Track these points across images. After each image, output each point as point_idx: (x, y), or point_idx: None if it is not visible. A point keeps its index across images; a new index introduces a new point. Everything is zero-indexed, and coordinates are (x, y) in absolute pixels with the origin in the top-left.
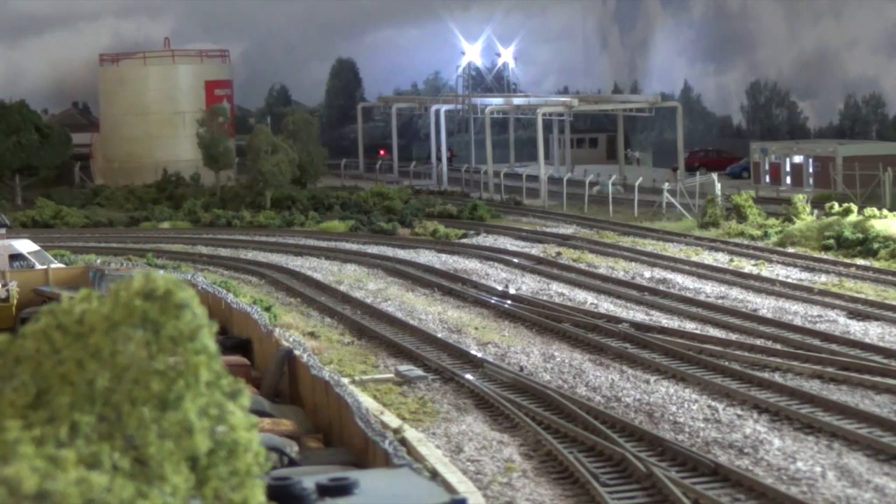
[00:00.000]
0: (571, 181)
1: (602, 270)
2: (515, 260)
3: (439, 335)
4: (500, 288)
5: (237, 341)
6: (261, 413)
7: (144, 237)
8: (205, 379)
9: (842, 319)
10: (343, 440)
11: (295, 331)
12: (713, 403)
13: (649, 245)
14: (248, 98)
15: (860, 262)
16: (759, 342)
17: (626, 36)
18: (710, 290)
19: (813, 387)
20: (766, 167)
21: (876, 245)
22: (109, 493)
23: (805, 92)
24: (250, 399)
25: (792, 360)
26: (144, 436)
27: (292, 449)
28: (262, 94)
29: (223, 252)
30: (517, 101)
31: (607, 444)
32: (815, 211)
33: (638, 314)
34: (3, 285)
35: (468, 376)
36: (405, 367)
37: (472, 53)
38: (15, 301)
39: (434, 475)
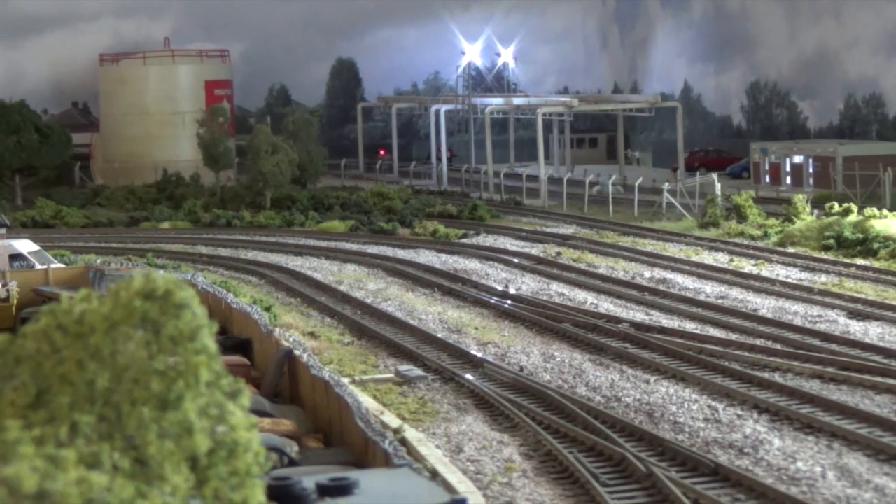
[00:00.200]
0: (571, 181)
1: (602, 270)
2: (515, 260)
3: (439, 335)
4: (500, 288)
5: (237, 341)
6: (261, 413)
7: (144, 237)
8: (205, 379)
9: (842, 319)
10: (343, 440)
11: (295, 331)
12: (713, 403)
13: (649, 245)
14: (248, 98)
15: (860, 262)
16: (759, 342)
17: (626, 36)
18: (710, 290)
19: (813, 387)
20: (766, 167)
21: (876, 245)
22: (109, 493)
23: (805, 92)
24: (250, 399)
25: (792, 360)
26: (144, 436)
27: (292, 449)
28: (262, 94)
29: (223, 252)
30: (517, 101)
31: (607, 444)
32: (815, 211)
33: (638, 314)
34: (3, 285)
35: (468, 376)
36: (405, 367)
37: (472, 53)
38: (15, 301)
39: (434, 475)
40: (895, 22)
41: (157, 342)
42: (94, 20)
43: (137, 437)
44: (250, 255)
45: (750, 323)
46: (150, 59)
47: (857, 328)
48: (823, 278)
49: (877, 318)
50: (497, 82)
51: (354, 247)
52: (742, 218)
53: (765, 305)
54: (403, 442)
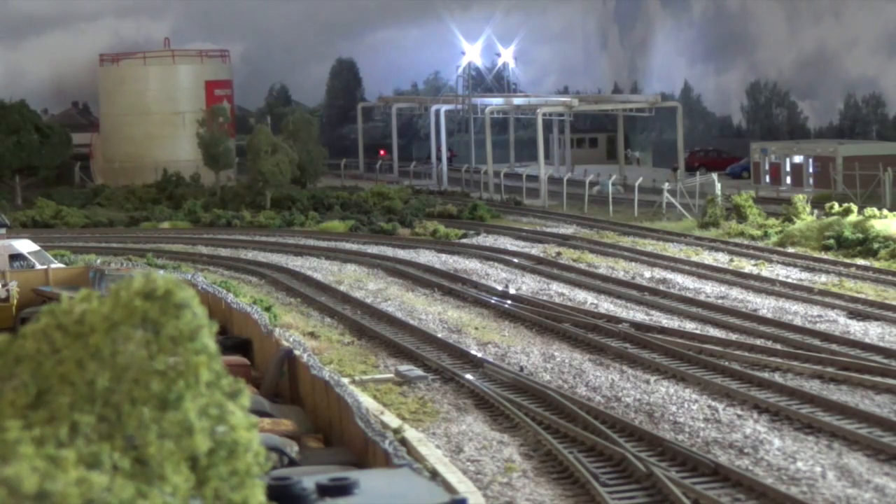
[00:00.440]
0: (571, 181)
1: (602, 270)
2: (515, 260)
3: (439, 335)
4: (500, 288)
5: (237, 341)
6: (261, 413)
7: (144, 237)
8: (205, 379)
9: (842, 319)
10: (343, 440)
11: (295, 331)
12: (713, 403)
13: (649, 245)
14: (248, 98)
15: (860, 262)
16: (759, 342)
17: (626, 36)
18: (710, 290)
19: (813, 387)
20: (766, 167)
21: (876, 245)
22: (109, 493)
23: (805, 92)
24: (250, 399)
25: (792, 360)
26: (144, 436)
27: (292, 449)
28: (262, 94)
29: (223, 252)
30: (517, 101)
31: (607, 444)
32: (815, 211)
33: (638, 314)
34: (3, 285)
35: (468, 376)
36: (405, 367)
37: (472, 53)
38: (15, 301)
39: (434, 475)
40: (895, 22)
41: (157, 342)
42: (94, 20)
43: (137, 437)
44: (250, 255)
45: (750, 323)
46: (150, 59)
47: (857, 328)
48: (823, 278)
49: (877, 318)
50: (497, 82)
51: (354, 247)
52: (742, 218)
53: (765, 305)
54: (403, 442)
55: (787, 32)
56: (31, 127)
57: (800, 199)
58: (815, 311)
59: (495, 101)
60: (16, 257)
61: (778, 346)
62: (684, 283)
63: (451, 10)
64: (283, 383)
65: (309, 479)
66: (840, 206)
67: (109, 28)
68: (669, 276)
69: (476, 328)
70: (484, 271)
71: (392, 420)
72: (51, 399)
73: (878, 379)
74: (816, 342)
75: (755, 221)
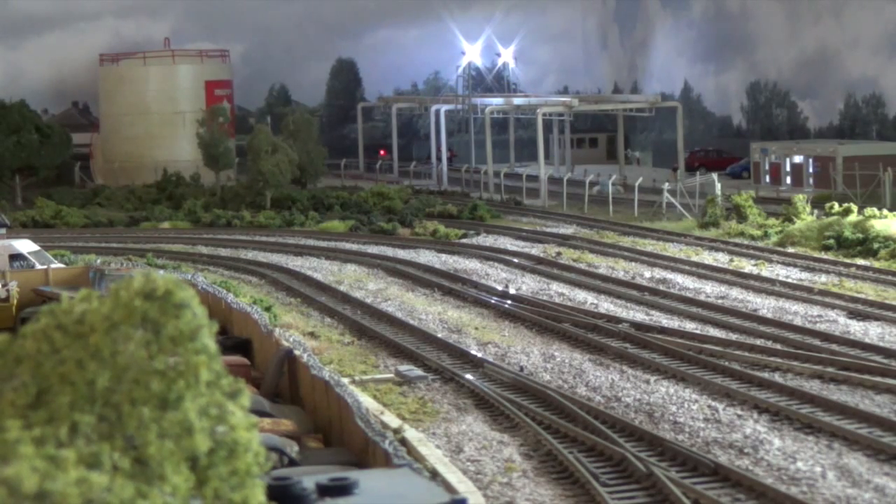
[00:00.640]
0: (571, 181)
1: (602, 270)
2: (515, 260)
3: (439, 335)
4: (500, 288)
5: (237, 341)
6: (261, 413)
7: (144, 237)
8: (205, 379)
9: (842, 319)
10: (343, 440)
11: (295, 331)
12: (713, 403)
13: (649, 245)
14: (248, 98)
15: (860, 262)
16: (759, 342)
17: (626, 36)
18: (710, 290)
19: (813, 387)
20: (766, 167)
21: (876, 245)
22: (109, 493)
23: (805, 92)
24: (250, 399)
25: (792, 360)
26: (144, 436)
27: (292, 449)
28: (262, 94)
29: (223, 252)
30: (517, 101)
31: (607, 444)
32: (815, 211)
33: (638, 314)
34: (3, 285)
35: (468, 376)
36: (405, 367)
37: (472, 53)
38: (15, 301)
39: (434, 475)
40: (895, 22)
41: (157, 342)
42: (94, 20)
43: (137, 437)
44: (250, 255)
45: (750, 323)
46: (150, 59)
47: (857, 328)
48: (823, 278)
49: (877, 318)
50: (497, 82)
51: (354, 247)
52: (742, 218)
53: (765, 305)
54: (403, 442)
55: (787, 32)
56: (31, 127)
57: (800, 199)
58: (815, 311)
59: (495, 101)
60: (16, 257)
61: (778, 346)
62: (684, 283)
63: (451, 10)
64: (283, 383)
65: (309, 479)
66: (840, 206)
67: (109, 28)
68: (669, 276)
69: (476, 328)
70: (484, 271)
71: (392, 420)
72: (51, 399)
73: (878, 379)
74: (816, 342)
75: (755, 221)
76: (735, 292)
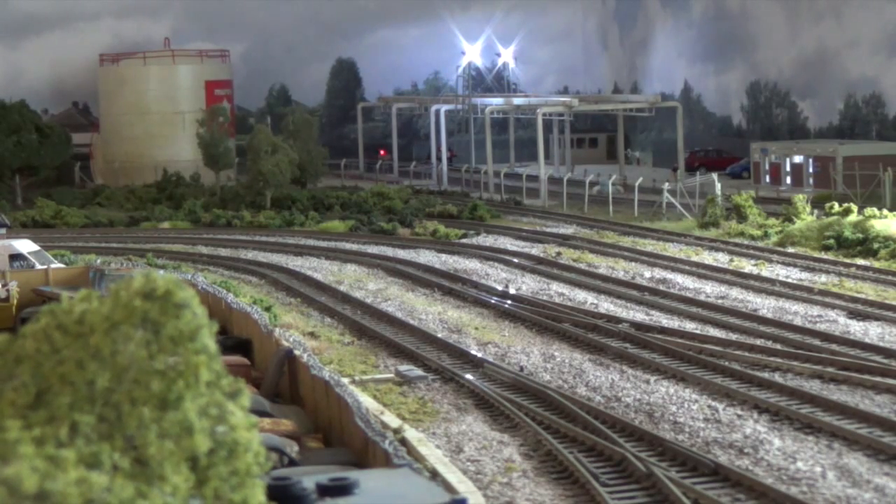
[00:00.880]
0: (571, 181)
1: (602, 270)
2: (515, 260)
3: (439, 335)
4: (500, 288)
5: (237, 341)
6: (261, 413)
7: (144, 237)
8: (205, 379)
9: (842, 319)
10: (343, 440)
11: (295, 331)
12: (713, 403)
13: (649, 245)
14: (248, 98)
15: (860, 262)
16: (759, 342)
17: (626, 36)
18: (710, 290)
19: (813, 387)
20: (766, 167)
21: (876, 245)
22: (109, 493)
23: (805, 92)
24: (250, 399)
25: (792, 360)
26: (144, 436)
27: (292, 449)
28: (262, 94)
29: (223, 252)
30: (517, 101)
31: (607, 444)
32: (815, 211)
33: (638, 314)
34: (3, 285)
35: (468, 376)
36: (405, 367)
37: (472, 53)
38: (15, 301)
39: (434, 475)
40: (895, 22)
41: (157, 342)
42: (93, 20)
43: (137, 437)
44: (250, 255)
45: (750, 323)
46: (150, 59)
47: (857, 328)
48: (823, 278)
49: (877, 318)
50: (497, 82)
51: (354, 247)
52: (742, 218)
53: (765, 305)
54: (403, 442)
55: (787, 32)
56: (31, 127)
57: (800, 199)
58: (815, 311)
59: (495, 101)
60: (16, 257)
61: (778, 346)
62: (684, 283)
63: (451, 10)
64: (283, 383)
65: (309, 479)
66: (840, 206)
67: (109, 28)
68: (669, 276)
69: (476, 328)
70: (484, 271)
71: (392, 420)
72: (51, 399)
73: (878, 379)
74: (816, 342)
75: (755, 221)
76: (735, 292)
